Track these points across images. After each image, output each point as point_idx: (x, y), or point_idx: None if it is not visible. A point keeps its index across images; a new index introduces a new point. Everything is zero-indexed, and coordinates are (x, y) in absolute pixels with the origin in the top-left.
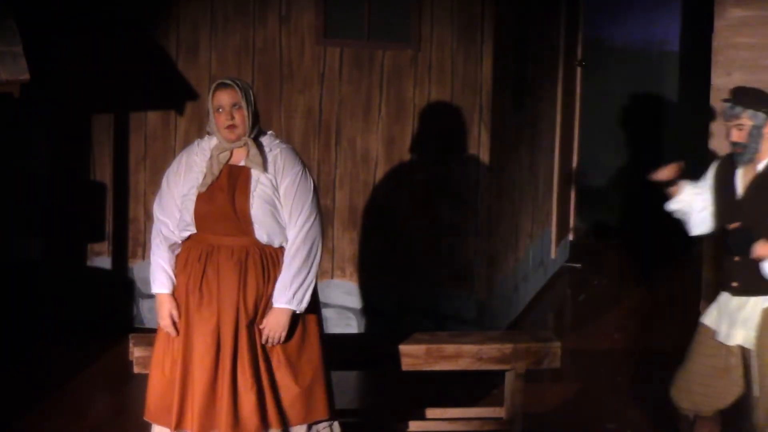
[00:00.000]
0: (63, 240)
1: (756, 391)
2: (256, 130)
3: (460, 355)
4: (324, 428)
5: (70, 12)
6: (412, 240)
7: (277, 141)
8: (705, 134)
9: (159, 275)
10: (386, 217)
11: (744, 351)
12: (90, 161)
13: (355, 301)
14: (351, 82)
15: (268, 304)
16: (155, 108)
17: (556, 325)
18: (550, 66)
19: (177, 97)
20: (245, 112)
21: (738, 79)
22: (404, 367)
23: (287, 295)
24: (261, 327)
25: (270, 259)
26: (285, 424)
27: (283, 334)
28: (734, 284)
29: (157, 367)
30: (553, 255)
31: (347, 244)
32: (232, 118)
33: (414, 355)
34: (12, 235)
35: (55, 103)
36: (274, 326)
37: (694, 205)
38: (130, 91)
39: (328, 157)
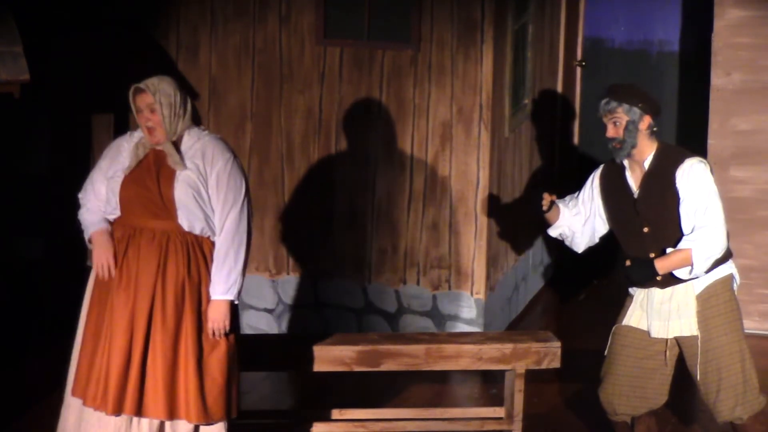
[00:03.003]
0: (63, 240)
1: (698, 376)
2: (184, 129)
3: (460, 355)
4: (219, 429)
5: (70, 12)
6: (412, 240)
7: (206, 132)
8: (704, 134)
9: (90, 218)
10: (386, 217)
11: (679, 339)
12: (90, 161)
13: (355, 301)
14: (351, 82)
15: (194, 291)
16: None
17: (555, 325)
18: (550, 66)
19: None
20: (159, 115)
21: (738, 79)
22: (404, 367)
23: (225, 286)
24: (206, 321)
25: (193, 246)
26: (190, 416)
27: (227, 324)
28: (659, 278)
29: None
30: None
31: (347, 244)
32: (149, 120)
33: (414, 355)
34: (12, 235)
35: (55, 103)
36: (216, 317)
37: (575, 226)
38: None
39: (328, 157)
